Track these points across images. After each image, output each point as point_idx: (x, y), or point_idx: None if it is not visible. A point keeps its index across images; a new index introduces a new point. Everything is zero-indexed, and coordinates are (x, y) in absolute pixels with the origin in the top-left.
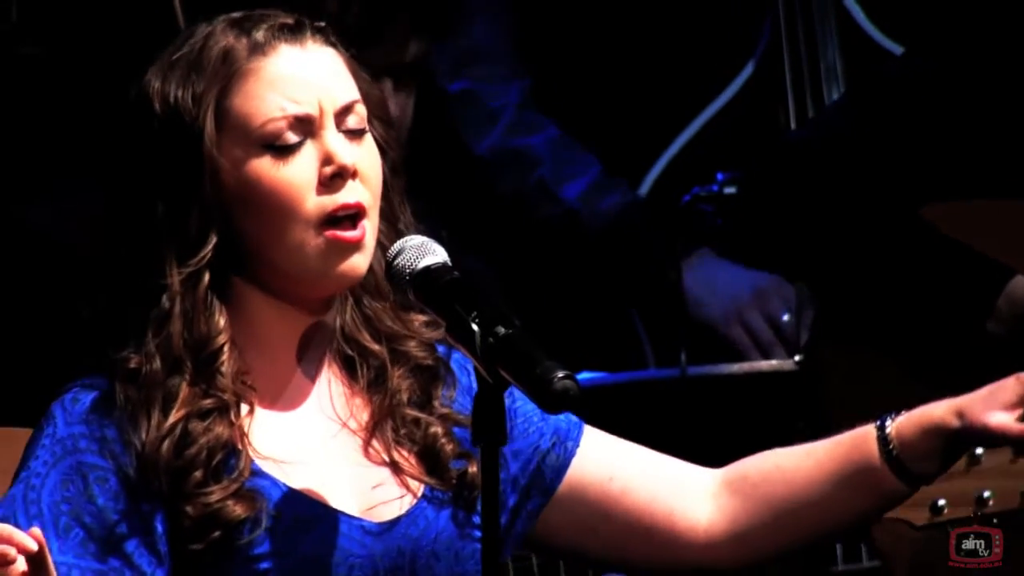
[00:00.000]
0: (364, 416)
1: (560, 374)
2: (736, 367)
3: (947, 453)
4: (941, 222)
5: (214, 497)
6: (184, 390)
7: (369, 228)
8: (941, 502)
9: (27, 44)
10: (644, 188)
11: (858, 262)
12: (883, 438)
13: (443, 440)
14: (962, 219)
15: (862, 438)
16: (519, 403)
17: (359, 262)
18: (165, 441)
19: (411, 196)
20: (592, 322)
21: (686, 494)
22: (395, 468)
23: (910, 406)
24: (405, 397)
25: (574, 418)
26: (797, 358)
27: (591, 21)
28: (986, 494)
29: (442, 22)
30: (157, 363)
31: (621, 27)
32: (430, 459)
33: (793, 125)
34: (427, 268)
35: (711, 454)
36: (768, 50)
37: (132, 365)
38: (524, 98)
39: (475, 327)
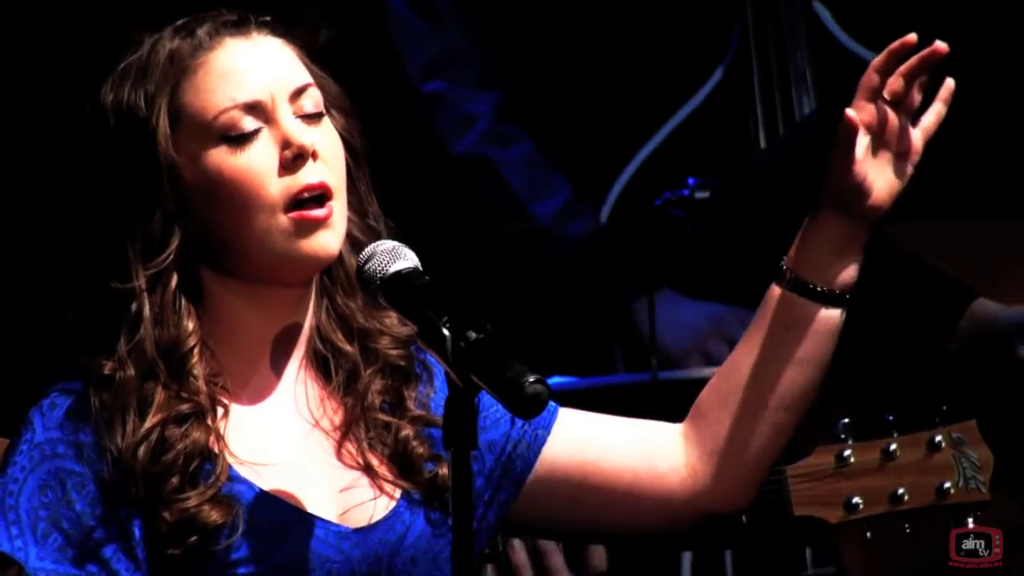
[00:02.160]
0: (337, 418)
1: (531, 379)
2: (707, 371)
3: (839, 244)
4: (908, 244)
5: (191, 503)
6: (159, 394)
7: (337, 209)
8: (856, 499)
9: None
10: (615, 192)
11: None
12: (780, 272)
13: (414, 443)
14: (929, 242)
15: (769, 289)
16: None
17: (328, 240)
18: (141, 447)
19: (385, 191)
20: (562, 327)
21: (661, 442)
22: (369, 471)
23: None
24: (377, 400)
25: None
26: None
27: (563, 27)
28: (900, 491)
29: (412, 25)
30: (130, 368)
31: (592, 32)
32: (402, 463)
33: (762, 130)
34: (398, 273)
35: None
36: (737, 55)
37: (106, 371)
38: (498, 108)
39: (446, 332)
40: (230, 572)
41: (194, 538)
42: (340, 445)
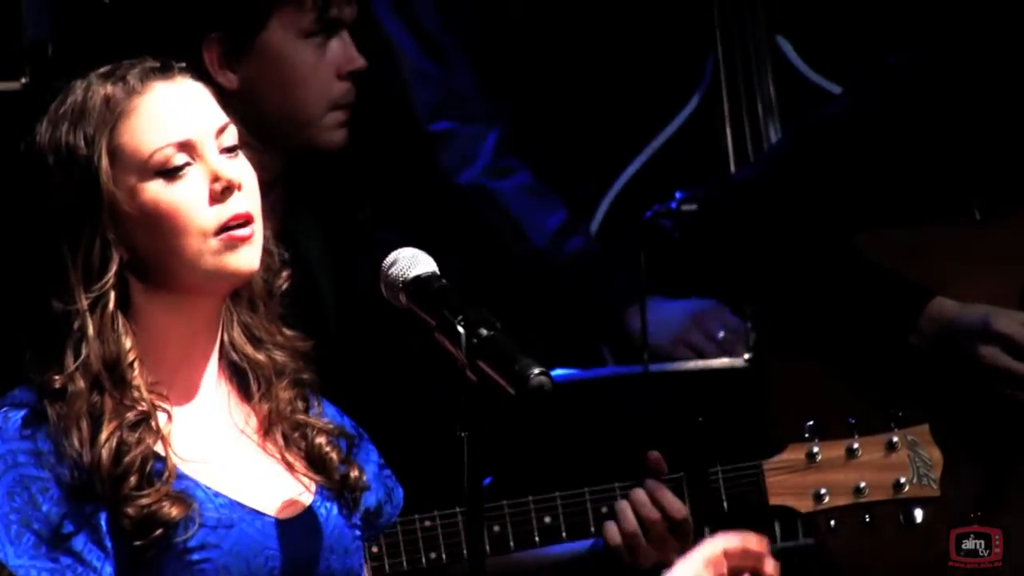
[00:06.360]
0: (257, 422)
1: (536, 370)
2: (692, 364)
3: None
4: (870, 250)
5: (148, 500)
6: (108, 404)
7: (257, 230)
8: (823, 491)
9: (62, 78)
10: (603, 207)
11: (800, 284)
12: None
13: (327, 448)
14: (888, 247)
15: None
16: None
17: (252, 255)
18: (103, 450)
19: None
20: (556, 327)
21: None
22: (290, 467)
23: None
24: (288, 407)
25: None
26: (747, 356)
27: (555, 55)
28: (862, 485)
29: (421, 67)
30: (80, 382)
31: (580, 62)
32: (316, 462)
33: (732, 150)
34: (417, 277)
35: (670, 441)
36: (711, 84)
37: (57, 386)
38: (499, 144)
39: (461, 329)
40: (186, 559)
41: (159, 531)
42: (263, 446)
